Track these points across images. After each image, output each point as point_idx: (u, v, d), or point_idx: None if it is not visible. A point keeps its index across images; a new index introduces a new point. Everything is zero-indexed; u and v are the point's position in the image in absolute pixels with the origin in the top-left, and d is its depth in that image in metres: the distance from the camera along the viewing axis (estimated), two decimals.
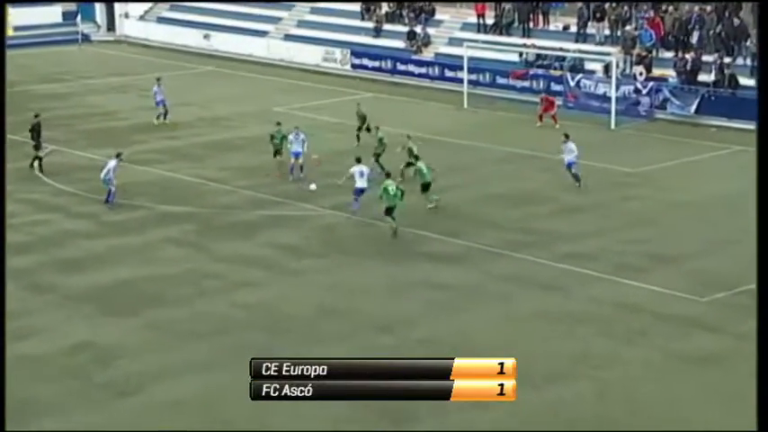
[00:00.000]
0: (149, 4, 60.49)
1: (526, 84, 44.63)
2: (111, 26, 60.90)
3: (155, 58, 54.58)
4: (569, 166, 31.64)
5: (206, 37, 56.48)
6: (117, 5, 60.26)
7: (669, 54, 42.40)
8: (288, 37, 54.63)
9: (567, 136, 32.16)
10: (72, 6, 59.80)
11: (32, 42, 56.32)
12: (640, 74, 41.28)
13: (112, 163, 30.07)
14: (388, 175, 28.08)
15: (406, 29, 50.22)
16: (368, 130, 35.82)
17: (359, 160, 29.51)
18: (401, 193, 27.50)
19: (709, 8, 41.93)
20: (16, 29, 56.70)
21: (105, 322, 22.36)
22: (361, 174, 28.88)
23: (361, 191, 28.91)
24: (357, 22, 52.97)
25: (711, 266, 25.37)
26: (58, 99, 44.81)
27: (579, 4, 45.78)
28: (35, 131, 33.69)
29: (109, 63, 53.19)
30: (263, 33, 55.35)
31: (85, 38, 58.74)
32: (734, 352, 20.42)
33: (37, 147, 33.63)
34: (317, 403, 13.60)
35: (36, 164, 33.48)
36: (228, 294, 23.87)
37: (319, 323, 22.30)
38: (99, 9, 60.85)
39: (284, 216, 29.28)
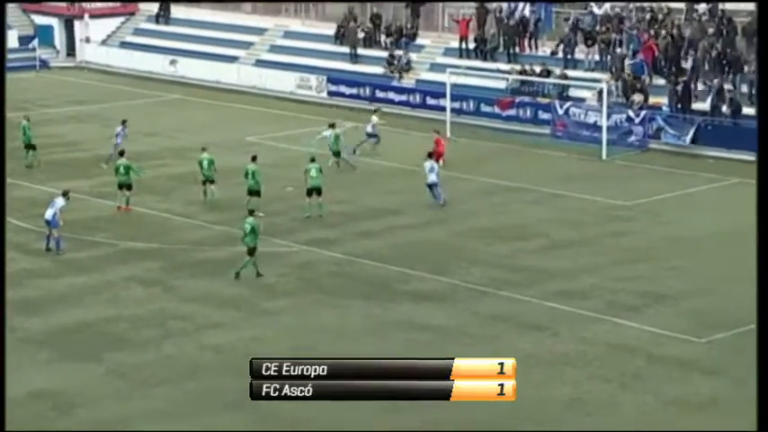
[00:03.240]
0: (112, 29, 60.56)
1: (512, 112, 44.95)
2: (71, 51, 60.89)
3: (118, 85, 54.64)
4: (431, 186, 33.26)
5: (172, 63, 56.56)
6: (77, 29, 60.27)
7: (662, 81, 42.80)
8: (260, 62, 54.83)
9: (429, 155, 34.17)
10: (29, 30, 59.73)
11: None
12: (637, 103, 41.54)
13: (60, 202, 29.25)
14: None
15: (384, 53, 50.56)
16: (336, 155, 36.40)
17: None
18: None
19: (711, 30, 42.18)
20: None
21: (64, 368, 22.26)
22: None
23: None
24: (332, 47, 53.29)
25: (710, 305, 25.53)
26: (15, 129, 44.65)
27: (566, 29, 46.24)
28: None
29: (69, 90, 53.20)
30: (233, 59, 55.50)
31: (44, 64, 58.74)
32: (734, 397, 20.53)
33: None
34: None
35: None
36: (197, 336, 23.82)
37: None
38: (58, 33, 60.76)
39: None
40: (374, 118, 40.85)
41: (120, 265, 28.33)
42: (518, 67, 46.46)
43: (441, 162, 37.51)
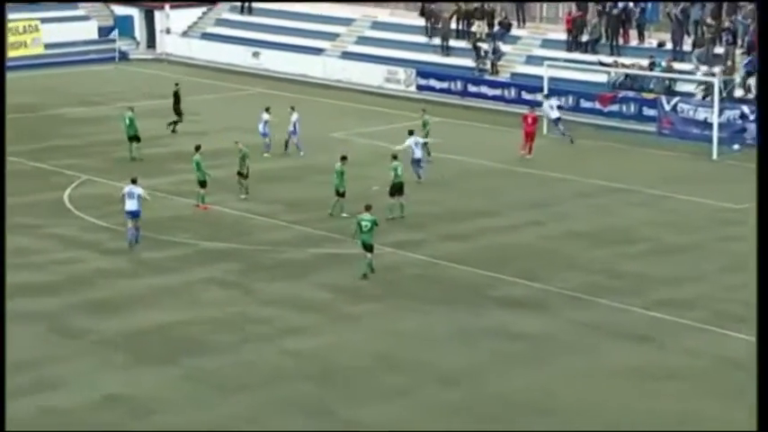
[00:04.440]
0: (193, 20, 61.42)
1: (614, 108, 44.54)
2: (151, 43, 62.01)
3: (199, 77, 55.45)
4: (416, 162, 35.35)
5: (255, 55, 57.25)
6: (158, 20, 61.31)
7: None
8: (346, 55, 55.19)
9: (410, 132, 36.11)
10: (108, 21, 60.93)
11: (65, 61, 57.59)
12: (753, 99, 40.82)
13: (139, 189, 30.12)
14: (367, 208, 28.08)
15: (480, 46, 50.31)
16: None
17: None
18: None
19: None
20: (47, 46, 58.16)
21: (140, 372, 22.69)
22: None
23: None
24: (422, 39, 53.38)
25: None
26: (92, 124, 45.76)
27: (674, 19, 45.62)
28: (176, 99, 43.18)
29: (148, 84, 54.17)
30: (318, 51, 55.96)
31: (123, 56, 59.93)
32: None
33: (178, 112, 43.18)
34: None
35: (173, 127, 42.45)
36: (277, 341, 24.11)
37: (377, 375, 22.41)
38: (138, 24, 61.87)
39: (339, 255, 29.52)
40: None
41: (200, 266, 28.79)
42: (621, 60, 46.03)
43: (530, 146, 37.79)
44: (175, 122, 43.40)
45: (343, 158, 33.04)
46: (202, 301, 26.54)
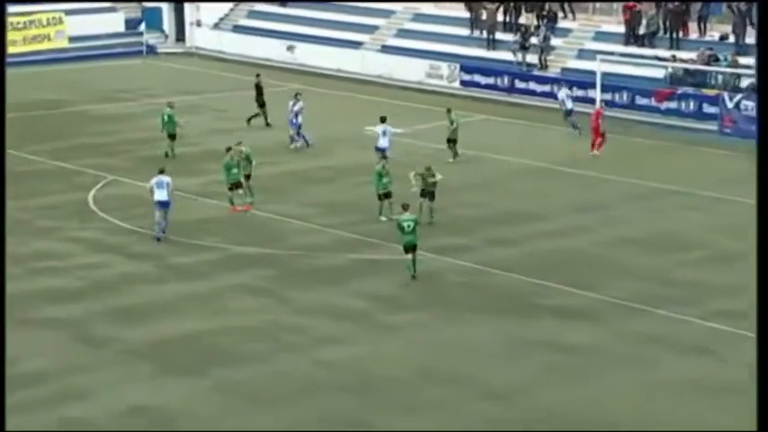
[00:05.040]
0: (224, 11, 61.67)
1: (672, 105, 44.30)
2: (180, 36, 62.34)
3: (230, 72, 55.74)
4: (380, 150, 36.37)
5: (290, 49, 57.42)
6: (187, 12, 61.61)
7: None
8: (385, 49, 55.25)
9: (382, 119, 37.45)
10: (136, 13, 61.28)
11: (90, 55, 58.00)
12: None
13: (167, 179, 30.76)
14: (405, 208, 28.32)
15: (531, 39, 50.11)
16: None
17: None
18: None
19: None
20: (72, 39, 58.64)
21: (168, 382, 22.79)
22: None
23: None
24: (467, 31, 53.33)
25: None
26: (118, 121, 46.09)
27: (737, 11, 45.30)
28: (258, 90, 44.15)
29: (177, 79, 54.51)
30: (356, 44, 56.05)
31: (151, 49, 60.28)
32: None
33: (261, 104, 43.84)
34: None
35: (251, 121, 43.53)
36: (311, 352, 24.14)
37: (418, 388, 22.37)
38: (167, 16, 62.19)
39: (378, 261, 29.54)
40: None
41: (230, 273, 28.89)
42: (680, 54, 45.75)
43: (600, 144, 37.84)
44: (258, 116, 43.81)
45: (383, 157, 33.00)
46: (233, 310, 26.63)
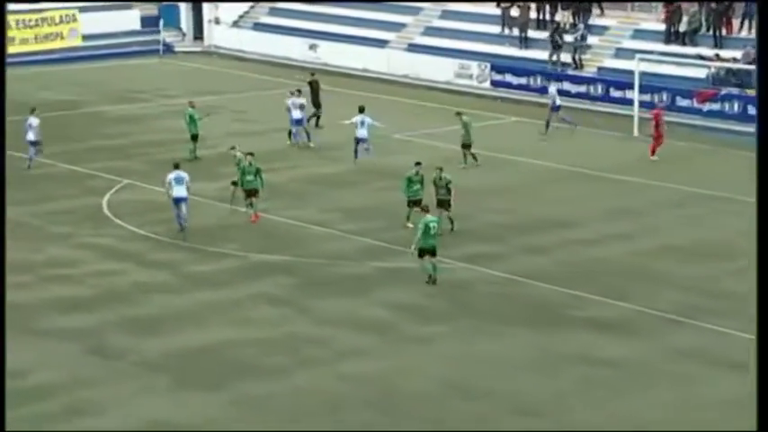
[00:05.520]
0: (244, 9, 61.78)
1: (715, 106, 44.09)
2: (198, 34, 62.52)
3: (250, 72, 55.87)
4: (359, 141, 38.45)
5: (312, 47, 57.50)
6: (206, 9, 61.76)
7: None
8: (412, 47, 55.25)
9: (361, 109, 38.76)
10: (152, 10, 61.49)
11: (105, 54, 58.23)
12: None
13: (184, 174, 31.67)
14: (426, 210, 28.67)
15: (567, 39, 49.97)
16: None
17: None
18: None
19: None
20: (86, 38, 58.90)
21: (185, 397, 22.80)
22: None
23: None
24: (498, 29, 53.26)
25: None
26: (133, 122, 46.23)
27: None
28: (313, 90, 44.10)
29: (195, 79, 54.66)
30: (382, 43, 56.06)
31: (168, 48, 60.48)
32: None
33: (317, 105, 43.82)
34: None
35: (313, 121, 43.10)
36: (334, 365, 24.10)
37: (447, 403, 22.30)
38: (184, 14, 62.35)
39: (404, 269, 29.47)
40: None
41: (249, 281, 28.91)
42: (723, 53, 45.54)
43: (655, 147, 38.01)
44: (317, 116, 43.93)
45: (418, 164, 32.69)
46: (252, 320, 26.64)
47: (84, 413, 22.01)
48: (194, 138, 39.61)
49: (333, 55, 56.33)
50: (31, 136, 38.12)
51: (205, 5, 61.96)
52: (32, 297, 27.57)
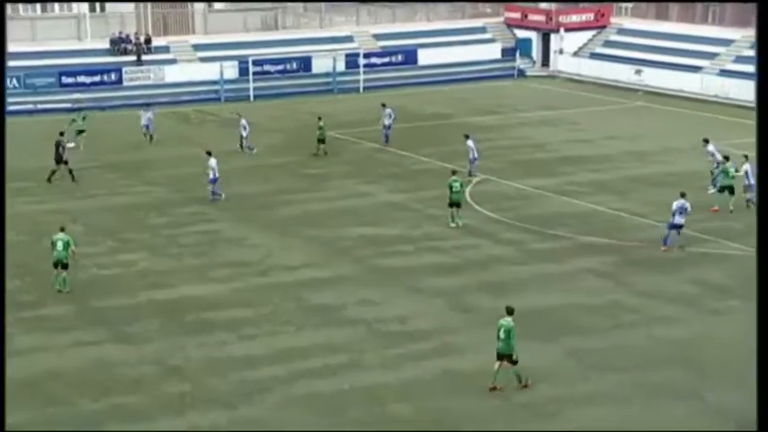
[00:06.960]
0: (584, 41, 61.24)
1: None
2: (545, 61, 62.41)
3: (585, 92, 55.05)
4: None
5: (637, 72, 56.09)
6: (553, 41, 61.61)
7: None
8: (724, 72, 52.69)
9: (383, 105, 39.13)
10: (510, 43, 62.10)
11: (471, 77, 59.16)
12: None
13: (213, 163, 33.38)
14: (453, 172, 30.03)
15: None
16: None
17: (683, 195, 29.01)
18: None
19: None
20: (458, 64, 59.95)
21: (526, 346, 22.68)
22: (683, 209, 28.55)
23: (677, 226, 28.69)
24: None
25: None
26: (492, 131, 46.58)
27: None
28: None
29: (541, 97, 54.45)
30: (696, 69, 53.88)
31: (521, 73, 60.69)
32: None
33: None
34: None
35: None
36: (646, 329, 23.43)
37: (748, 369, 21.07)
38: (535, 45, 62.68)
39: (709, 254, 28.21)
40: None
41: (578, 258, 28.52)
42: None
43: None
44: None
45: (726, 158, 30.92)
46: (580, 289, 26.28)
47: (449, 353, 22.45)
48: (321, 141, 39.90)
49: (654, 78, 54.82)
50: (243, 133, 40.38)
51: (552, 38, 61.71)
52: (412, 262, 28.36)
